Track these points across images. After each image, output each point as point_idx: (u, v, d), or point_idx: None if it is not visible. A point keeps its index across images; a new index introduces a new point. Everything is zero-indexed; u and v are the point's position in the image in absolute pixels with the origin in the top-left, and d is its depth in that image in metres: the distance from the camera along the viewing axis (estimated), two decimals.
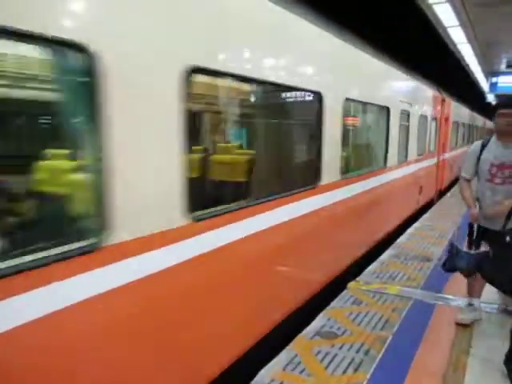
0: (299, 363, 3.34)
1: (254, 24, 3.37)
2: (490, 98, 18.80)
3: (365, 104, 6.00)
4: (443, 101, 10.98)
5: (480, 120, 22.11)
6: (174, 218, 2.61)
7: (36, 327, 1.88)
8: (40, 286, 1.89)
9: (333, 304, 4.46)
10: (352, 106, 5.61)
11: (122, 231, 2.26)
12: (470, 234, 3.78)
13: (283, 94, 4.48)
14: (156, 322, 2.51)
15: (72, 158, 2.82)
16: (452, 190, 13.02)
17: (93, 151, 2.14)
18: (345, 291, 4.80)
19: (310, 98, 4.37)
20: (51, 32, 1.83)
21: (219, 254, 3.00)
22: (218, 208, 3.14)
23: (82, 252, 2.06)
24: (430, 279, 5.16)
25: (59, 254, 1.98)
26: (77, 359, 2.09)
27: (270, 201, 3.66)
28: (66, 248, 2.01)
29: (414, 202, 8.92)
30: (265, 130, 4.53)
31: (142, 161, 2.39)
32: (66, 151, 3.04)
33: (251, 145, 5.93)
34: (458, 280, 5.03)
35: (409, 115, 7.65)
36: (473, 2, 5.96)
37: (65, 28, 1.91)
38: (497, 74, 13.30)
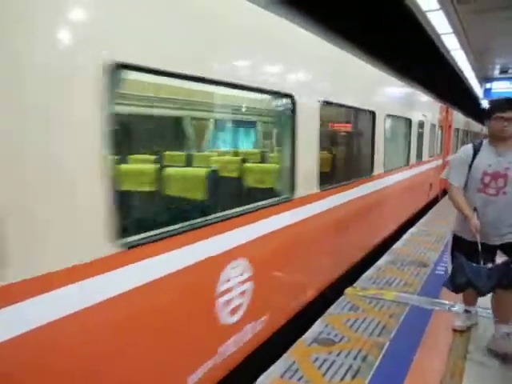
0: (297, 370, 3.32)
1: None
2: (485, 104, 18.96)
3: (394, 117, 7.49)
4: (447, 110, 12.79)
5: (476, 126, 23.87)
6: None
7: None
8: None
9: (330, 310, 4.45)
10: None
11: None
12: (471, 248, 3.38)
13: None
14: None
15: None
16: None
17: None
18: (342, 297, 4.79)
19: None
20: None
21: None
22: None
23: None
24: (426, 285, 5.16)
25: None
26: None
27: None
28: None
29: (425, 196, 10.93)
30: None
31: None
32: None
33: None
34: None
35: (423, 124, 9.47)
36: (465, 9, 6.03)
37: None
38: (491, 79, 13.45)
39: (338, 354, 3.57)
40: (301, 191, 4.07)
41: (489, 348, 3.55)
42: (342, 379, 3.21)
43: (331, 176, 5.40)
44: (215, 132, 7.33)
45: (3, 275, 1.71)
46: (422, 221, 9.02)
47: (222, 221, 3.03)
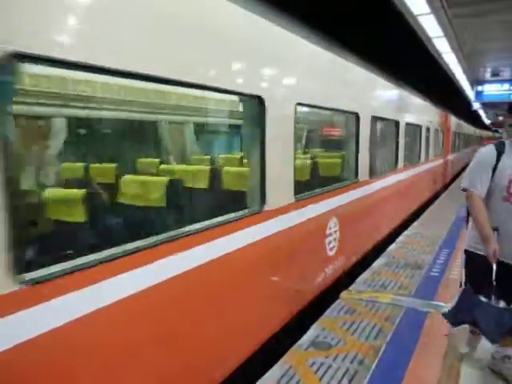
0: (294, 375, 3.32)
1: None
2: (476, 107, 19.13)
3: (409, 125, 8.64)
4: (446, 116, 14.52)
5: (469, 129, 25.53)
6: None
7: None
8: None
9: (326, 314, 4.45)
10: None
11: None
12: (486, 269, 2.84)
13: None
14: None
15: None
16: (440, 197, 13.17)
17: None
18: (338, 301, 4.80)
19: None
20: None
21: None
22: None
23: None
24: (421, 287, 5.18)
25: None
26: None
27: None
28: None
29: (433, 188, 12.92)
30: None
31: None
32: None
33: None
34: (449, 287, 5.10)
35: (429, 129, 11.25)
36: (456, 13, 6.10)
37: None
38: (482, 82, 13.57)
39: (335, 358, 3.57)
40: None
41: (490, 368, 3.25)
42: (339, 383, 3.21)
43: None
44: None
45: None
46: (415, 224, 9.06)
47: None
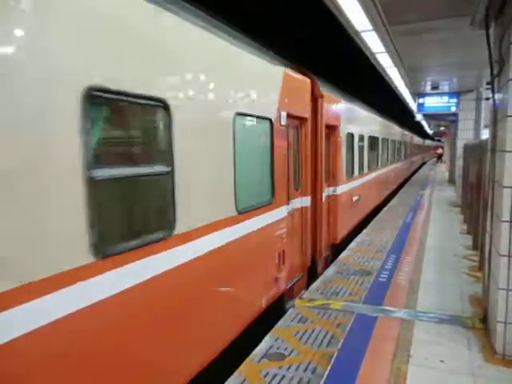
0: None
1: None
2: (419, 118, 20.18)
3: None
4: (412, 137, 23.85)
5: (418, 140, 34.70)
6: None
7: None
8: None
9: (280, 323, 4.49)
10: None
11: None
12: None
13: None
14: None
15: None
16: (389, 204, 13.70)
17: None
18: (291, 309, 4.85)
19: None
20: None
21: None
22: None
23: None
24: (370, 293, 5.35)
25: None
26: None
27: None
28: None
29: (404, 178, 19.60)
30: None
31: None
32: None
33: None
34: (397, 292, 5.30)
35: (401, 143, 17.05)
36: (396, 31, 6.43)
37: None
38: (423, 95, 14.32)
39: (289, 368, 3.60)
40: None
41: None
42: None
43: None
44: None
45: None
46: (364, 231, 9.36)
47: None
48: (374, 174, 12.28)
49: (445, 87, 13.29)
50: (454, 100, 14.01)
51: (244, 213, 4.14)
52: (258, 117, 4.56)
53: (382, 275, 6.02)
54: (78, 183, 2.26)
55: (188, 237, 3.22)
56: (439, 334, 4.17)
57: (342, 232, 8.22)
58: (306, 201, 6.22)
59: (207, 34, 3.60)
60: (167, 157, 3.01)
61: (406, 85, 12.18)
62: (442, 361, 3.66)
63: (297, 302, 5.07)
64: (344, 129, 8.39)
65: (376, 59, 8.43)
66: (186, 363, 3.25)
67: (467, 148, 10.46)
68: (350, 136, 9.14)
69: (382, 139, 13.98)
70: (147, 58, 2.84)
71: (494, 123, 4.12)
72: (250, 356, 3.81)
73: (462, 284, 5.66)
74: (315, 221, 6.68)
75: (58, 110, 2.15)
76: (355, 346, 3.95)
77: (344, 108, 8.49)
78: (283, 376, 3.48)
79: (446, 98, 14.23)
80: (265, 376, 3.47)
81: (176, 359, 3.14)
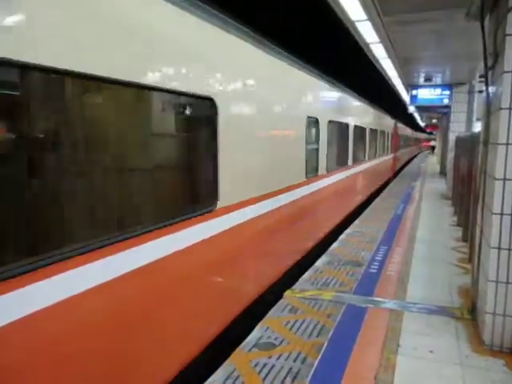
0: (238, 377, 3.32)
1: None
2: (412, 110, 20.18)
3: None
4: (396, 124, 21.61)
5: (407, 130, 32.55)
6: None
7: None
8: None
9: (270, 313, 4.50)
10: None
11: None
12: None
13: None
14: None
15: None
16: (381, 194, 13.76)
17: None
18: (281, 300, 4.86)
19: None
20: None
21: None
22: None
23: None
24: (361, 283, 5.38)
25: None
26: None
27: None
28: None
29: (390, 173, 19.52)
30: None
31: None
32: None
33: None
34: (387, 283, 5.33)
35: (386, 133, 17.16)
36: (390, 21, 6.38)
37: None
38: (416, 86, 14.32)
39: (278, 358, 3.61)
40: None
41: None
42: (282, 382, 3.25)
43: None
44: None
45: None
46: (356, 222, 9.40)
47: None
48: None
49: (438, 79, 13.29)
50: (447, 92, 14.03)
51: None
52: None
53: (373, 266, 6.06)
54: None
55: None
56: (428, 325, 4.21)
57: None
58: None
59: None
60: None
61: (399, 76, 12.15)
62: (430, 351, 3.70)
63: (287, 292, 5.08)
64: (398, 133, 22.98)
65: (370, 50, 8.38)
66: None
67: (459, 141, 10.51)
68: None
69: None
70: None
71: (487, 116, 4.11)
72: (240, 346, 3.81)
73: (451, 275, 5.71)
74: None
75: None
76: (345, 336, 3.97)
77: (399, 125, 22.15)
78: (273, 365, 3.49)
79: (439, 91, 14.24)
80: (255, 366, 3.48)
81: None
